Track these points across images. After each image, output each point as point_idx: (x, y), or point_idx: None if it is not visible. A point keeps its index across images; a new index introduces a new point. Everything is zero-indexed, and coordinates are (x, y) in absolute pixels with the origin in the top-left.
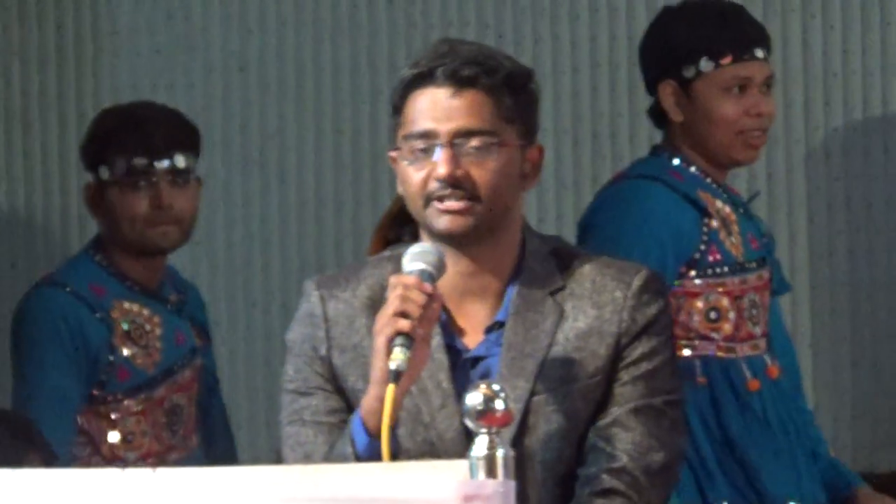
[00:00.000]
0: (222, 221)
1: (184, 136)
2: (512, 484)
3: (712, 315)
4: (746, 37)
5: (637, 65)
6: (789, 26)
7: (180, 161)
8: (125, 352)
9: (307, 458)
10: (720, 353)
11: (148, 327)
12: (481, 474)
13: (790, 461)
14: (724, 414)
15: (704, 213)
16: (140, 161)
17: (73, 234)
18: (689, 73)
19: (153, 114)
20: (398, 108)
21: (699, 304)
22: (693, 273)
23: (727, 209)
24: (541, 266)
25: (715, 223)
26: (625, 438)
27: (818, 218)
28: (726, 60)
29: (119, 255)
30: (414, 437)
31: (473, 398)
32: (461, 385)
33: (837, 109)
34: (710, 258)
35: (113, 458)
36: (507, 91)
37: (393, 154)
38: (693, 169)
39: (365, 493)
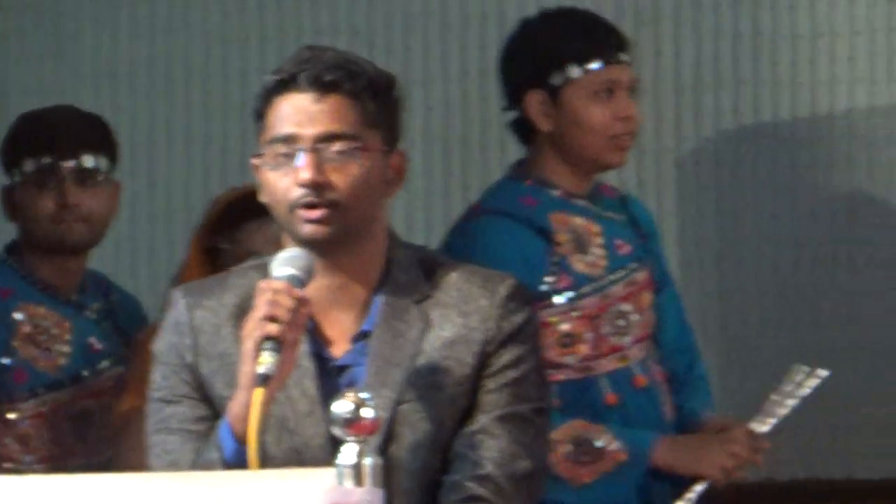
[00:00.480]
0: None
1: (93, 137)
2: (379, 492)
3: (566, 341)
4: (612, 42)
5: None
6: (661, 36)
7: (88, 161)
8: (24, 354)
9: (174, 466)
10: (576, 375)
11: (55, 331)
12: (349, 482)
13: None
14: None
15: (551, 240)
16: (46, 160)
17: None
18: (557, 80)
19: (64, 116)
20: (261, 114)
21: (550, 334)
22: (544, 303)
23: (586, 223)
24: (407, 275)
25: (564, 248)
26: (490, 446)
27: (688, 227)
28: (594, 65)
29: (33, 259)
30: (280, 444)
31: (341, 406)
32: (327, 393)
33: (708, 119)
34: (561, 286)
35: (9, 460)
36: (370, 96)
37: (255, 161)
38: (549, 188)
39: (232, 500)
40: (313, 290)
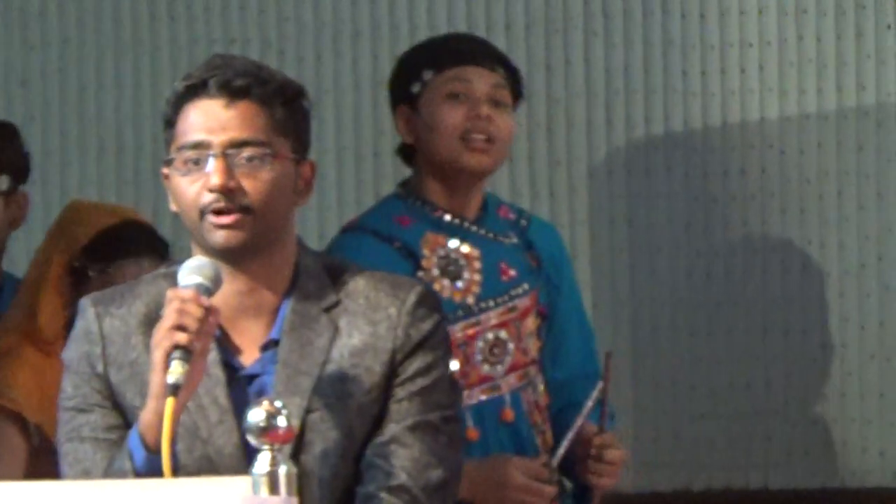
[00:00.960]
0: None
1: None
2: (294, 500)
3: None
4: (469, 48)
5: None
6: (571, 44)
7: None
8: None
9: (86, 475)
10: None
11: None
12: (264, 491)
13: None
14: None
15: (418, 265)
16: None
17: None
18: (415, 88)
19: None
20: (171, 122)
21: None
22: None
23: (465, 248)
24: (314, 283)
25: (433, 272)
26: (402, 455)
27: (600, 236)
28: (446, 67)
29: None
30: (192, 452)
31: (256, 415)
32: (237, 402)
33: (619, 128)
34: None
35: None
36: (280, 103)
37: (165, 170)
38: (429, 207)
39: None
40: (221, 297)
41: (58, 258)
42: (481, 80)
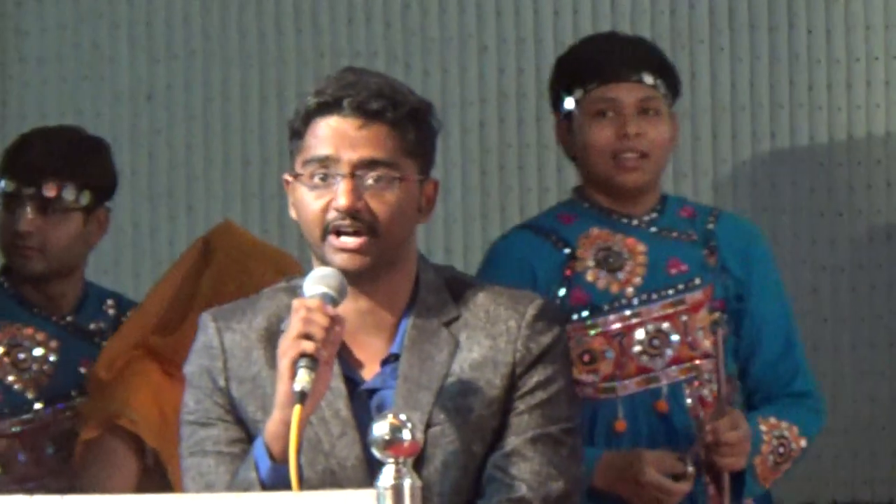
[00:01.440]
0: (130, 252)
1: (61, 165)
2: None
3: (586, 358)
4: (611, 63)
5: (543, 96)
6: (697, 58)
7: (49, 190)
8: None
9: (209, 488)
10: (597, 395)
11: (37, 351)
12: (388, 503)
13: None
14: None
15: (573, 255)
16: (10, 186)
17: None
18: (566, 105)
19: (40, 140)
20: (300, 133)
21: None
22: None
23: (630, 241)
24: (435, 297)
25: (587, 262)
26: (523, 468)
27: None
28: (591, 87)
29: (21, 279)
30: (314, 465)
31: (380, 428)
32: (359, 416)
33: (745, 142)
34: (572, 301)
35: None
36: (411, 125)
37: (288, 177)
38: (595, 209)
39: None
40: (343, 313)
41: (213, 284)
42: (629, 95)
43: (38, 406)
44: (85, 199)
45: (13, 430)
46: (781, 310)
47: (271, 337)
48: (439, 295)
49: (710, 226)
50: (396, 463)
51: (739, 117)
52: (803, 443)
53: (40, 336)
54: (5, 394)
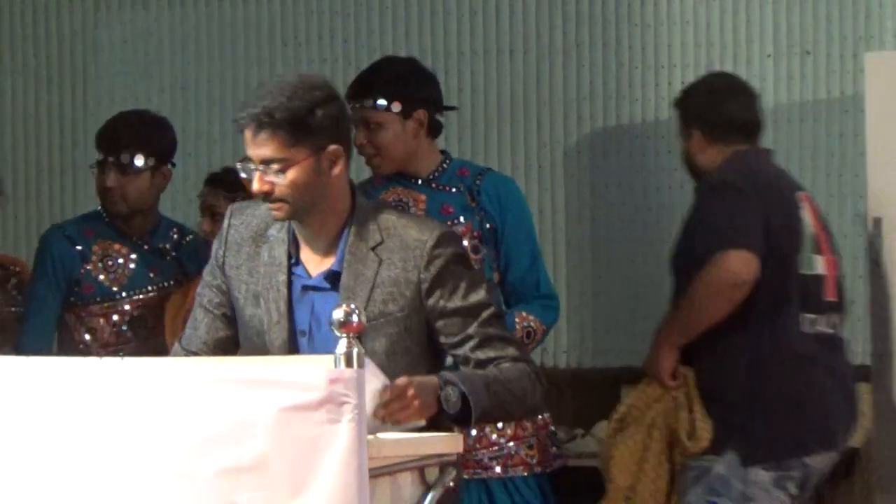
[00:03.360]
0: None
1: (132, 138)
2: (363, 372)
3: None
4: (352, 89)
5: None
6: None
7: (125, 157)
8: (94, 273)
9: (194, 330)
10: None
11: (121, 260)
12: (342, 365)
13: None
14: None
15: None
16: (100, 155)
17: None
18: None
19: (122, 119)
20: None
21: None
22: None
23: (414, 194)
24: (364, 224)
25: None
26: (497, 346)
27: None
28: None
29: (113, 216)
30: (252, 340)
31: (337, 313)
32: (292, 312)
33: None
34: None
35: (81, 343)
36: (291, 125)
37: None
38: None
39: (259, 376)
40: (299, 233)
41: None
42: (361, 115)
43: (117, 296)
44: (151, 162)
45: (101, 311)
46: (527, 235)
47: (257, 238)
48: (367, 224)
49: (477, 181)
50: (348, 337)
51: None
52: (544, 328)
53: (124, 250)
54: (98, 287)
